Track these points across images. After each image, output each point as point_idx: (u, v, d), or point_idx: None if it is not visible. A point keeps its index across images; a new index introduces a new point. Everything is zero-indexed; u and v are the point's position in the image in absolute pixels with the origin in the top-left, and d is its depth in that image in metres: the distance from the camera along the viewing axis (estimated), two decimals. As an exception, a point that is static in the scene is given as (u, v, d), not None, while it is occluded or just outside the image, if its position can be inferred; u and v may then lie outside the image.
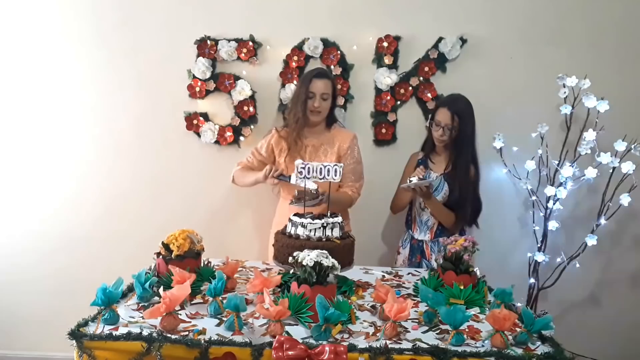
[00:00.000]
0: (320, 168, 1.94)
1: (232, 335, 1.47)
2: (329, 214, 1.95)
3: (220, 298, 1.64)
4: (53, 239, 3.00)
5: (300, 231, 1.90)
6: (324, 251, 1.66)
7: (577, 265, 2.77)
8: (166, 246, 1.85)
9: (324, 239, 1.87)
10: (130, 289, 1.79)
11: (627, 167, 2.58)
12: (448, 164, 2.53)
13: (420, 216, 2.58)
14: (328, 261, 1.63)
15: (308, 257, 1.63)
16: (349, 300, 1.76)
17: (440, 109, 2.47)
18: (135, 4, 2.82)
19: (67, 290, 2.96)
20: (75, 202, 2.98)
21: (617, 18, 2.80)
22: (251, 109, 2.86)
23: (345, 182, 2.52)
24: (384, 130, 2.89)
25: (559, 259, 2.80)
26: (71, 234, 2.99)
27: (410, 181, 2.34)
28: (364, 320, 1.65)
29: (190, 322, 1.57)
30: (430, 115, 2.59)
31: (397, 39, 2.81)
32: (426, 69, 2.82)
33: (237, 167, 2.63)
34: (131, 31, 2.84)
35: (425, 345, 1.45)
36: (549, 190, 2.71)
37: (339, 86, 2.79)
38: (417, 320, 1.66)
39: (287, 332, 1.49)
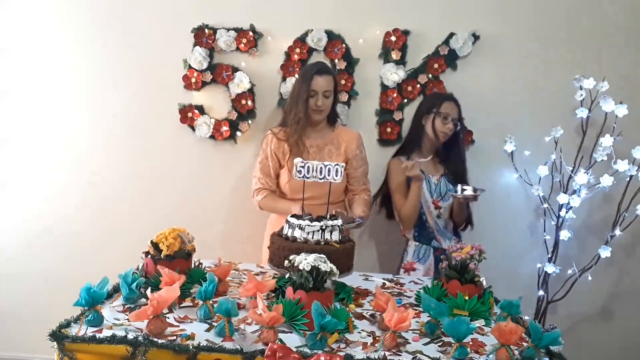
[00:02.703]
0: (321, 167, 1.94)
1: (222, 341, 1.47)
2: (328, 216, 1.95)
3: (210, 302, 1.64)
4: (37, 234, 3.00)
5: (297, 233, 1.90)
6: (322, 255, 1.66)
7: (589, 277, 2.77)
8: (155, 245, 1.85)
9: (323, 243, 1.87)
10: (116, 289, 1.78)
11: (645, 175, 2.58)
12: (439, 165, 2.61)
13: (438, 225, 2.58)
14: (326, 266, 1.62)
15: (305, 261, 1.62)
16: (347, 308, 1.75)
17: (445, 103, 2.53)
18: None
19: (52, 288, 2.97)
20: (62, 196, 2.98)
21: (637, 18, 2.80)
22: (249, 102, 2.85)
23: (359, 186, 2.54)
24: (389, 130, 2.89)
25: (570, 271, 2.80)
26: (57, 229, 3.00)
27: (465, 190, 2.40)
28: (362, 330, 1.65)
29: (178, 326, 1.57)
30: (427, 110, 2.57)
31: (406, 33, 2.81)
32: (435, 65, 2.82)
33: (258, 197, 2.53)
34: (125, 18, 2.85)
35: (426, 358, 1.45)
36: (562, 198, 2.71)
37: (342, 81, 2.80)
38: (418, 331, 1.65)
39: (281, 340, 1.48)
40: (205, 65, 2.82)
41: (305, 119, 2.43)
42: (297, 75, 2.80)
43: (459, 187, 2.43)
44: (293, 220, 1.93)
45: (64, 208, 2.98)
